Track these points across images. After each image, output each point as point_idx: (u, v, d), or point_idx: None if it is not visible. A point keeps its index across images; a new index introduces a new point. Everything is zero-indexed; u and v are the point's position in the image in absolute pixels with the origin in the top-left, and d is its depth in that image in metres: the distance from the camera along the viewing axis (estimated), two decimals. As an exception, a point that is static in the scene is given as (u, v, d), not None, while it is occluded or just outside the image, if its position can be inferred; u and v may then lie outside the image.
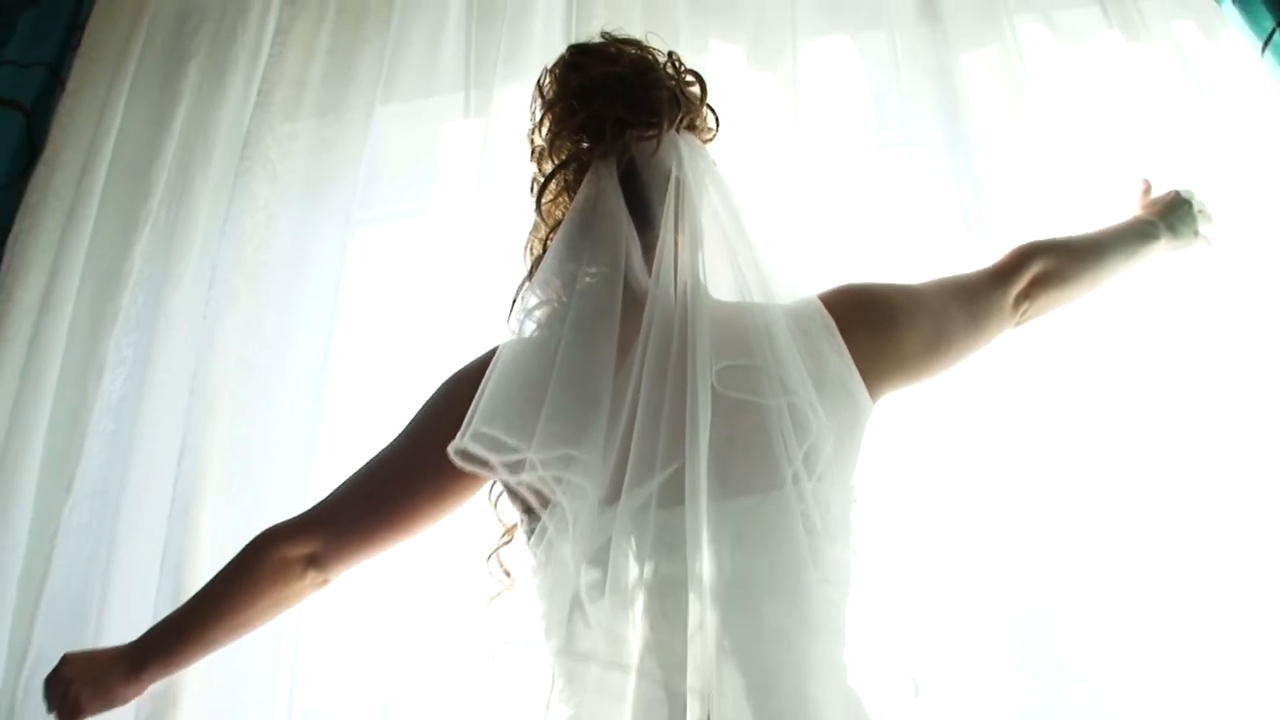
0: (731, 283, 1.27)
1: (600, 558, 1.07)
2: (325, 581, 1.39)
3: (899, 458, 1.50)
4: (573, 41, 1.76)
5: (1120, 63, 1.94)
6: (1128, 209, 1.69)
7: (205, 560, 1.65)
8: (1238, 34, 1.89)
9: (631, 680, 1.03)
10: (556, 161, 1.38)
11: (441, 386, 1.35)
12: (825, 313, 1.23)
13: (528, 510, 1.20)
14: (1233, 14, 1.89)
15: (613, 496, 1.09)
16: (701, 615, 1.03)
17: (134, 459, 1.84)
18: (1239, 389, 1.65)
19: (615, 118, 1.35)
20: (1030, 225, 1.69)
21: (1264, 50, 1.83)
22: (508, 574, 1.33)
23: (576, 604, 1.08)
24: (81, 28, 2.34)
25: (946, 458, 1.59)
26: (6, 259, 2.06)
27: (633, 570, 1.07)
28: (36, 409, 1.92)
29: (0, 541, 1.82)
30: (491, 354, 1.24)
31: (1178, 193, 1.68)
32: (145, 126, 2.19)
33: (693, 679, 1.00)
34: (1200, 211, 1.67)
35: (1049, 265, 1.48)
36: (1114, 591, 1.49)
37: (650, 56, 1.41)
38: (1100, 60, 1.97)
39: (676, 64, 1.42)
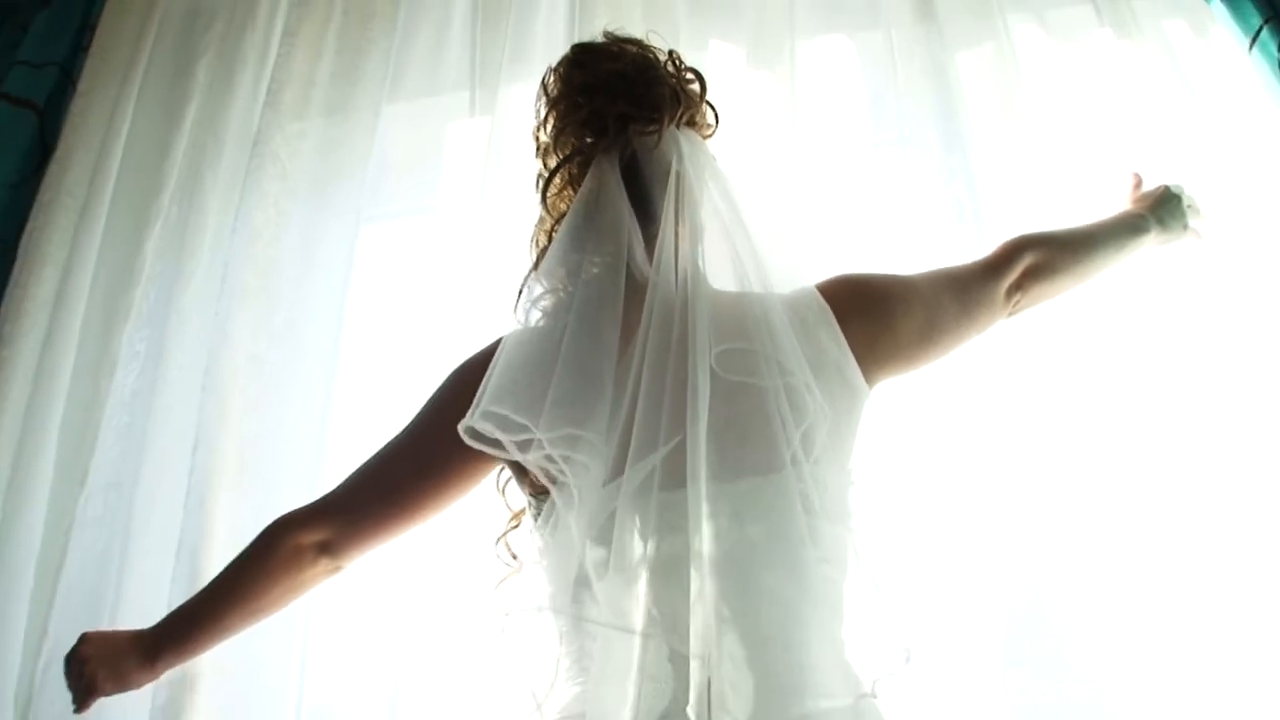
0: (731, 273, 1.30)
1: (605, 536, 1.10)
2: (338, 568, 1.42)
3: (898, 449, 1.54)
4: (575, 41, 1.80)
5: (1112, 60, 1.96)
6: (1118, 203, 1.72)
7: (219, 550, 1.67)
8: (1226, 31, 1.91)
9: (636, 650, 1.06)
10: (561, 156, 1.41)
11: (450, 376, 1.38)
12: (822, 301, 1.26)
13: (535, 494, 1.24)
14: (1221, 11, 1.91)
15: (617, 473, 1.12)
16: (701, 585, 1.06)
17: (147, 452, 1.85)
18: (1234, 383, 1.67)
19: (618, 113, 1.38)
20: (1024, 220, 1.70)
21: (1251, 47, 1.85)
22: (515, 557, 1.36)
23: (583, 579, 1.11)
24: (93, 28, 2.36)
25: (946, 458, 1.61)
26: (20, 256, 2.07)
27: (637, 548, 1.10)
28: (51, 403, 1.94)
29: (16, 534, 1.84)
30: (497, 344, 1.27)
31: (1167, 187, 1.71)
32: (156, 125, 2.20)
33: (695, 645, 1.03)
34: (1189, 206, 1.69)
35: (1040, 257, 1.51)
36: (1114, 591, 1.50)
37: (651, 55, 1.44)
38: (1092, 58, 1.98)
39: (677, 62, 1.45)
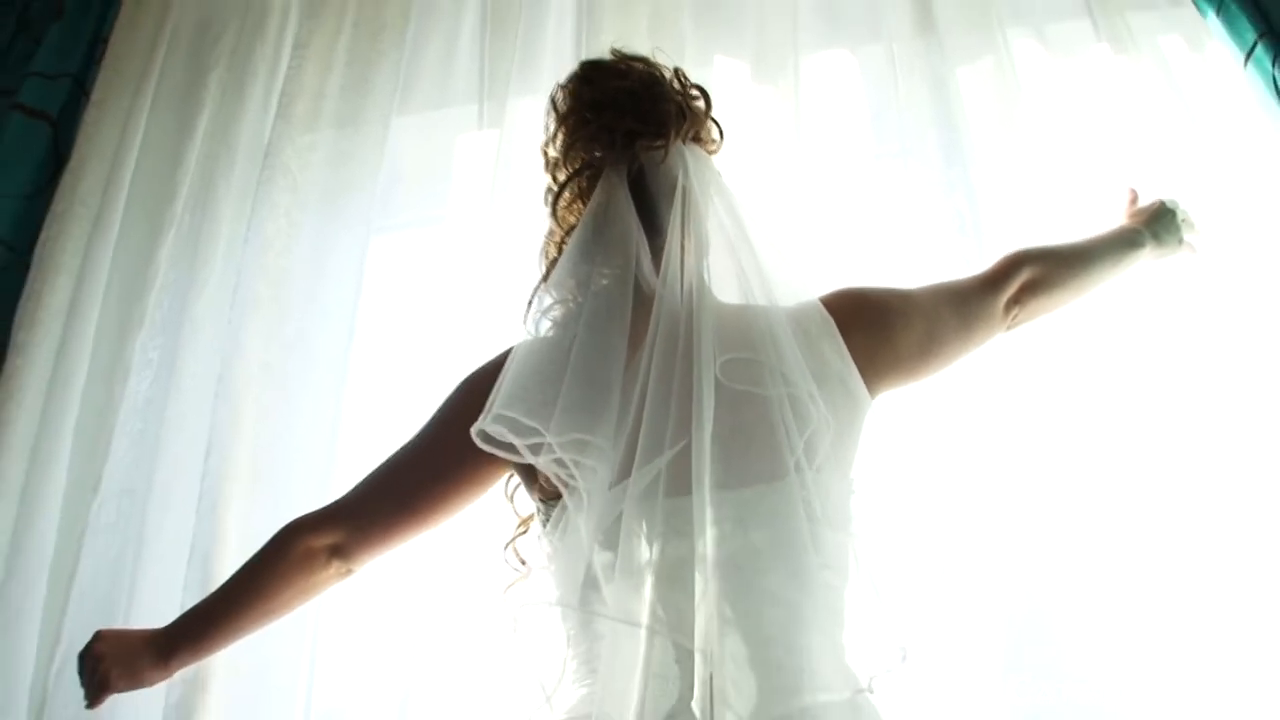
0: (736, 286, 1.32)
1: (611, 541, 1.13)
2: (349, 571, 1.45)
3: (900, 458, 1.53)
4: (582, 55, 1.83)
5: (1109, 75, 1.98)
6: (1115, 218, 1.74)
7: (232, 556, 1.68)
8: (1222, 46, 1.93)
9: (642, 648, 1.08)
10: (571, 170, 1.44)
11: (460, 384, 1.40)
12: (825, 313, 1.29)
13: (544, 499, 1.26)
14: (1217, 27, 1.92)
15: (623, 477, 1.15)
16: (705, 586, 1.08)
17: (160, 459, 1.87)
18: (1229, 393, 1.69)
19: (626, 128, 1.40)
20: (1023, 232, 1.73)
21: (1246, 62, 1.86)
22: (523, 563, 1.39)
23: (590, 582, 1.14)
24: (105, 41, 2.38)
25: (947, 459, 1.62)
26: (35, 264, 2.09)
27: (643, 552, 1.12)
28: (64, 410, 1.96)
29: (30, 540, 1.85)
30: (507, 354, 1.30)
31: (1163, 202, 1.73)
32: (168, 136, 2.22)
33: (699, 640, 1.06)
34: (1184, 220, 1.72)
35: (1038, 272, 1.53)
36: (1114, 592, 1.51)
37: (658, 72, 1.47)
38: (1090, 72, 2.00)
39: (682, 79, 1.48)
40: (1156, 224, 1.70)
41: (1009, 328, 1.54)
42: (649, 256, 1.34)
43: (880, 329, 1.35)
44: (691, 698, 1.05)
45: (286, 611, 1.47)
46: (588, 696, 1.15)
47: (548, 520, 1.25)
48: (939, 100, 1.94)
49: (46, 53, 2.37)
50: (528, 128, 1.91)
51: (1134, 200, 1.76)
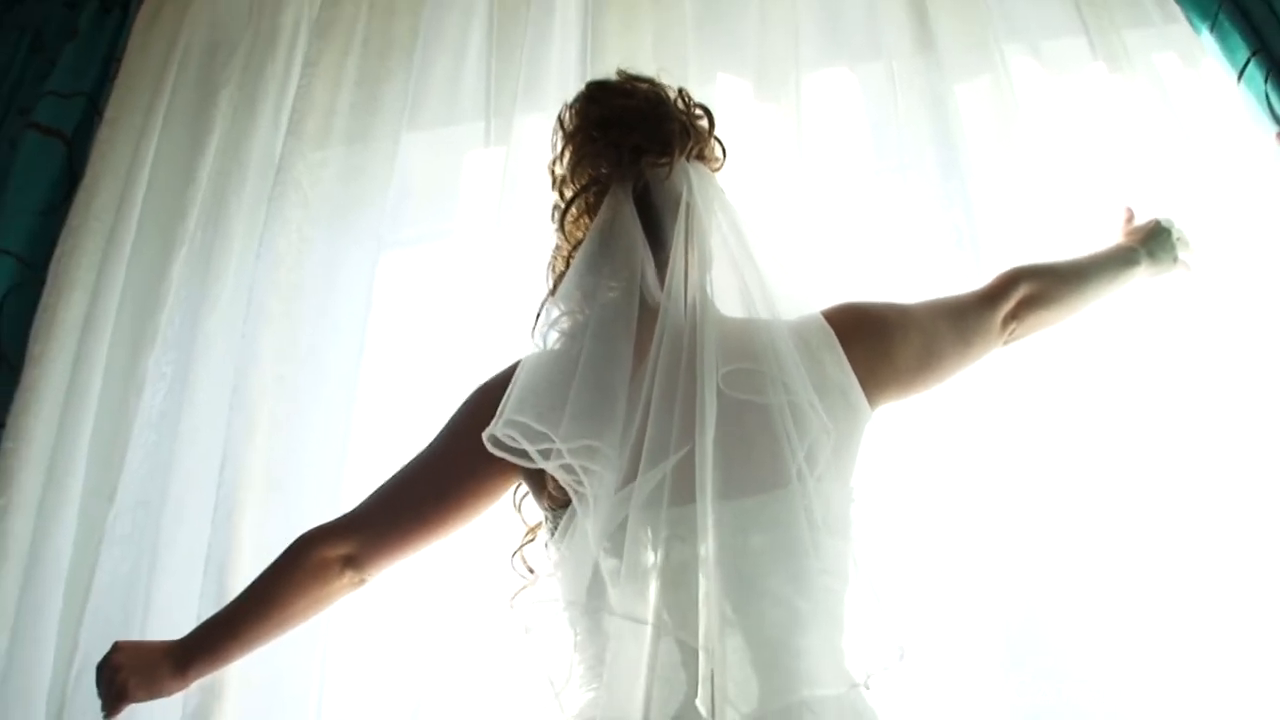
0: (739, 300, 1.35)
1: (617, 548, 1.16)
2: (362, 581, 1.47)
3: (900, 467, 1.57)
4: (587, 73, 1.87)
5: (1105, 92, 2.00)
6: (1111, 236, 1.76)
7: (246, 566, 1.69)
8: (1216, 63, 1.95)
9: (647, 648, 1.11)
10: (578, 186, 1.47)
11: (470, 396, 1.43)
12: (826, 326, 1.32)
13: (552, 507, 1.29)
14: (1210, 44, 1.94)
15: (629, 482, 1.18)
16: (708, 588, 1.11)
17: (174, 471, 1.88)
18: (1223, 403, 1.71)
19: (632, 146, 1.44)
20: (1019, 246, 1.76)
21: (1239, 78, 1.89)
22: (531, 571, 1.41)
23: (597, 586, 1.17)
24: (118, 60, 2.40)
25: (947, 465, 1.64)
26: (50, 280, 2.10)
27: (648, 558, 1.15)
28: (80, 423, 1.97)
29: (47, 552, 1.87)
30: (515, 366, 1.32)
31: (1158, 221, 1.75)
32: (180, 153, 2.24)
33: (702, 638, 1.09)
34: (1179, 239, 1.74)
35: (1035, 289, 1.56)
36: (1114, 593, 1.53)
37: (662, 92, 1.51)
38: (1086, 90, 2.03)
39: (686, 99, 1.52)
40: (1152, 242, 1.73)
41: (1005, 342, 1.56)
42: (654, 270, 1.37)
43: (880, 342, 1.38)
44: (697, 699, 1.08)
45: (301, 621, 1.49)
46: (594, 700, 1.17)
47: (555, 528, 1.27)
48: (938, 116, 1.96)
49: (61, 72, 2.40)
50: (533, 144, 1.93)
51: (1130, 219, 1.78)
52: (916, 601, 1.51)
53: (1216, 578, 1.56)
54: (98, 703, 1.49)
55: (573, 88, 1.68)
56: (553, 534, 1.29)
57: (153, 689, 1.48)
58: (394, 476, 1.46)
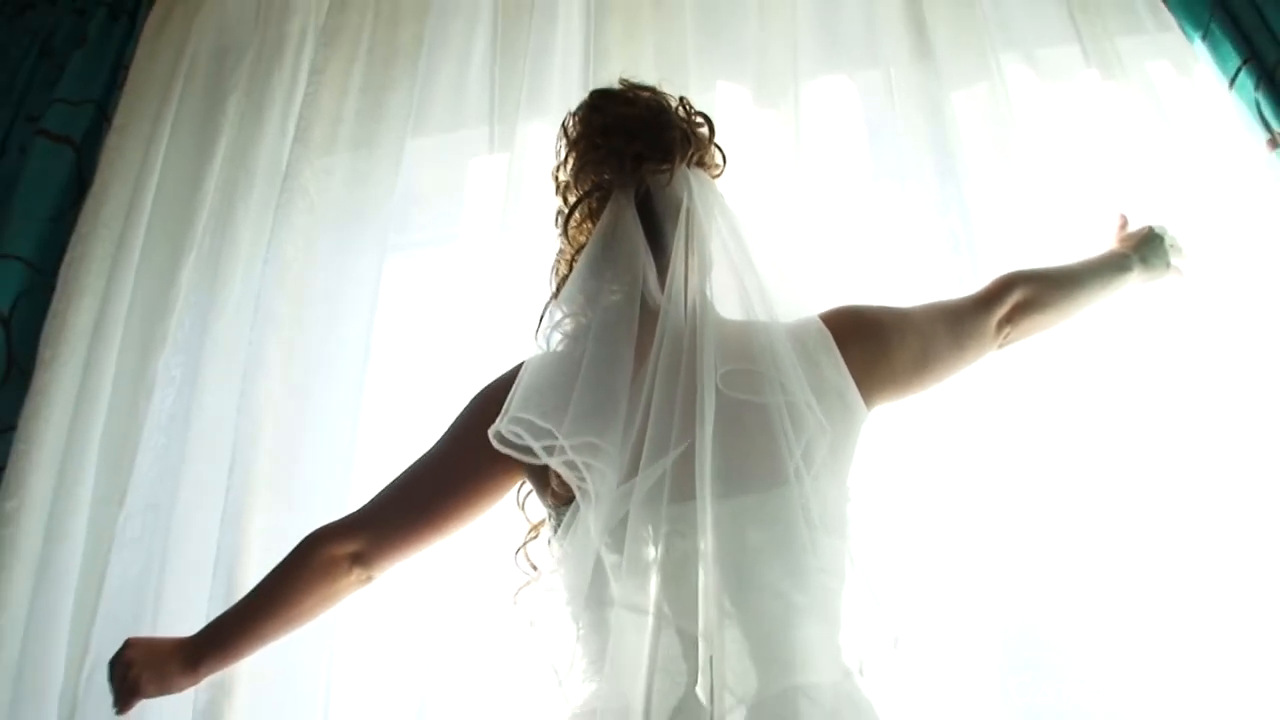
0: (738, 303, 1.38)
1: (618, 544, 1.19)
2: (369, 579, 1.49)
3: (898, 462, 1.59)
4: (589, 80, 1.89)
5: (1099, 99, 2.02)
6: (1105, 242, 1.78)
7: (254, 568, 1.70)
8: (1209, 71, 1.97)
9: (648, 640, 1.14)
10: (581, 192, 1.50)
11: (474, 397, 1.46)
12: (824, 329, 1.35)
13: (556, 505, 1.31)
14: (1203, 52, 1.97)
15: (630, 478, 1.21)
16: (708, 580, 1.14)
17: (184, 474, 1.89)
18: (1217, 405, 1.73)
19: (634, 153, 1.47)
20: (1015, 251, 1.78)
21: (1231, 86, 1.91)
22: (534, 567, 1.44)
23: (599, 581, 1.20)
24: (126, 68, 2.42)
25: (944, 460, 1.65)
26: (60, 285, 2.13)
27: (649, 552, 1.18)
28: (90, 427, 1.99)
29: (58, 554, 1.89)
30: (519, 368, 1.35)
31: (1151, 228, 1.76)
32: (188, 160, 2.26)
33: (701, 627, 1.12)
34: (1171, 245, 1.75)
35: (1029, 294, 1.58)
36: (1114, 593, 1.54)
37: (664, 100, 1.54)
38: (1080, 98, 2.04)
39: (687, 107, 1.55)
40: (1145, 248, 1.74)
41: (1000, 346, 1.58)
42: (655, 274, 1.39)
43: (876, 345, 1.41)
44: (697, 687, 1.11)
45: (310, 618, 1.51)
46: (597, 691, 1.19)
47: (558, 524, 1.30)
48: (935, 124, 1.98)
49: (70, 80, 2.42)
50: (537, 150, 1.96)
51: (1124, 225, 1.80)
52: (915, 602, 1.52)
53: (1216, 578, 1.58)
54: (109, 703, 1.50)
55: (575, 95, 1.70)
56: (556, 530, 1.31)
57: (164, 685, 1.50)
58: (400, 476, 1.48)
